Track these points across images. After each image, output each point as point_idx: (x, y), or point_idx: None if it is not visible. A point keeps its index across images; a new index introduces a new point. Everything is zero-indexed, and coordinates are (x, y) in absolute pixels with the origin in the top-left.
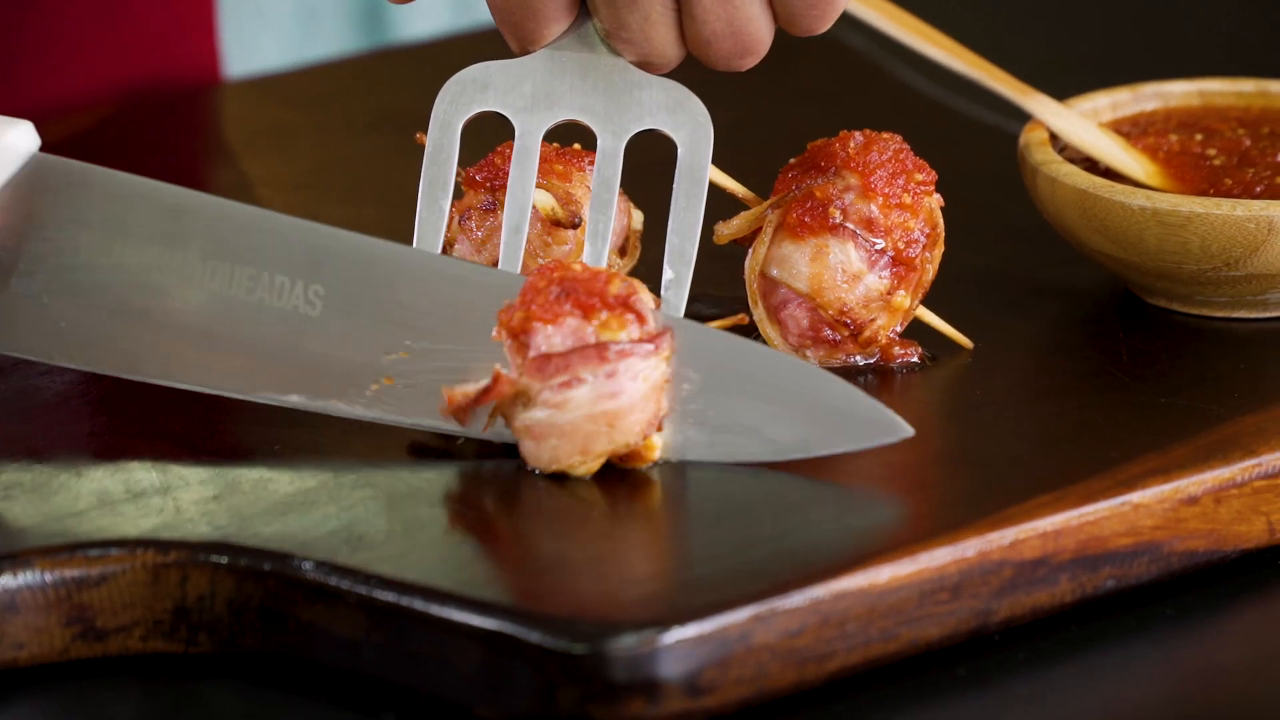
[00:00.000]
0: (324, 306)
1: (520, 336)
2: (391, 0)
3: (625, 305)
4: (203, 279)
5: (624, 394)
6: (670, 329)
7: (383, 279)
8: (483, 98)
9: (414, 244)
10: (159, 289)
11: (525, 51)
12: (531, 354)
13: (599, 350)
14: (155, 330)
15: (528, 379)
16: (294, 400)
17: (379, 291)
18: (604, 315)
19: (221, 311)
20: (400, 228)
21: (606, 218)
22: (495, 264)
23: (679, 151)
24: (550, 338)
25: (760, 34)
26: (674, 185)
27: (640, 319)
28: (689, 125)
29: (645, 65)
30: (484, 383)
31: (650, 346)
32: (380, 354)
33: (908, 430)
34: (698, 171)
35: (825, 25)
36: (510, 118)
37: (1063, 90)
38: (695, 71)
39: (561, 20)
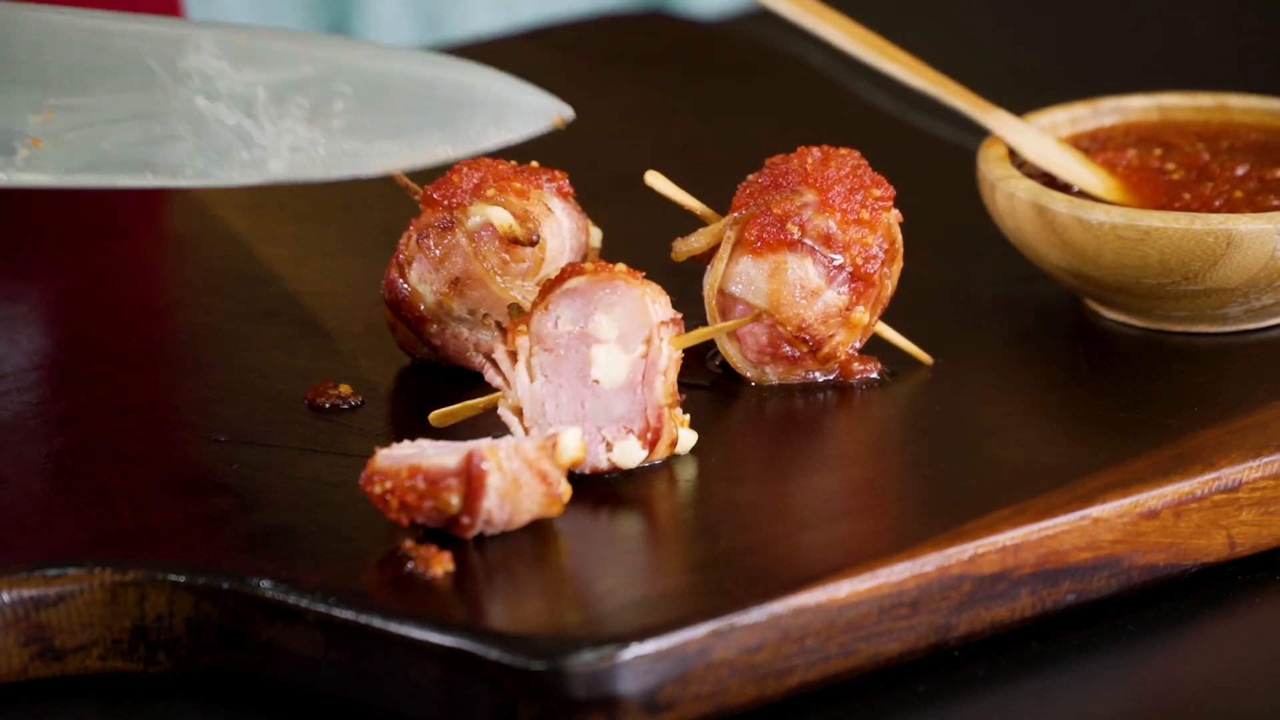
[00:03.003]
0: None
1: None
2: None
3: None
4: None
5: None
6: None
7: (13, 40)
8: None
9: None
10: None
11: None
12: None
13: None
14: None
15: None
16: None
17: (13, 53)
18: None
19: None
20: (360, 248)
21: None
22: (454, 281)
23: None
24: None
25: None
26: None
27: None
28: None
29: None
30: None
31: None
32: (26, 117)
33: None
34: None
35: None
36: None
37: (1021, 105)
38: (664, 81)
39: None
